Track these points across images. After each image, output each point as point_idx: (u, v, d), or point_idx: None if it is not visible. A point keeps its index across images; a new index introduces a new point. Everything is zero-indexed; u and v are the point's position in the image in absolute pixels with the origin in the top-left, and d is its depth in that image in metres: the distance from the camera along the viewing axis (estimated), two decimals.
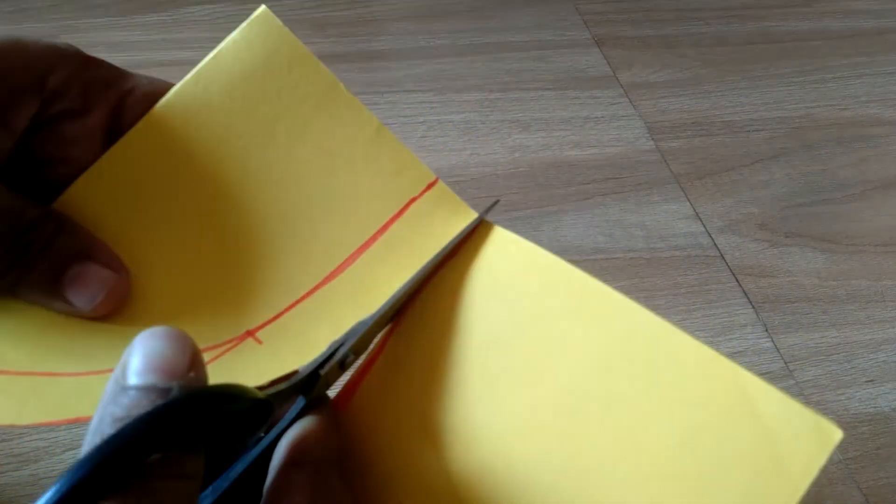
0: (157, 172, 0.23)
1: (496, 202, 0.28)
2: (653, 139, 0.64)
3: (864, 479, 0.44)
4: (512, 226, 0.57)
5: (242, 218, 0.23)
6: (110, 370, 0.17)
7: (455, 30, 0.73)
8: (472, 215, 0.23)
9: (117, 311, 0.22)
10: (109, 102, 0.24)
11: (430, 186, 0.23)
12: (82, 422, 0.18)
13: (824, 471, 0.44)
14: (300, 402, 0.22)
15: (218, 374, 0.19)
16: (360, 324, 0.22)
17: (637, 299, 0.51)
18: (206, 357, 0.19)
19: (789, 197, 0.60)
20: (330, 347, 0.21)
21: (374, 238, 0.23)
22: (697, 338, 0.21)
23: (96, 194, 0.23)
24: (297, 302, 0.23)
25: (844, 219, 0.59)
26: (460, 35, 0.73)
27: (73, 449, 0.42)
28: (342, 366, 0.22)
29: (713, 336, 0.50)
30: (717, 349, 0.51)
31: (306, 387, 0.21)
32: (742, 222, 0.58)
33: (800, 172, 0.63)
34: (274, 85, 0.24)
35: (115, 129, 0.24)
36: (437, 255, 0.22)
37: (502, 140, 0.63)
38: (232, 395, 0.17)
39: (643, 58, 0.72)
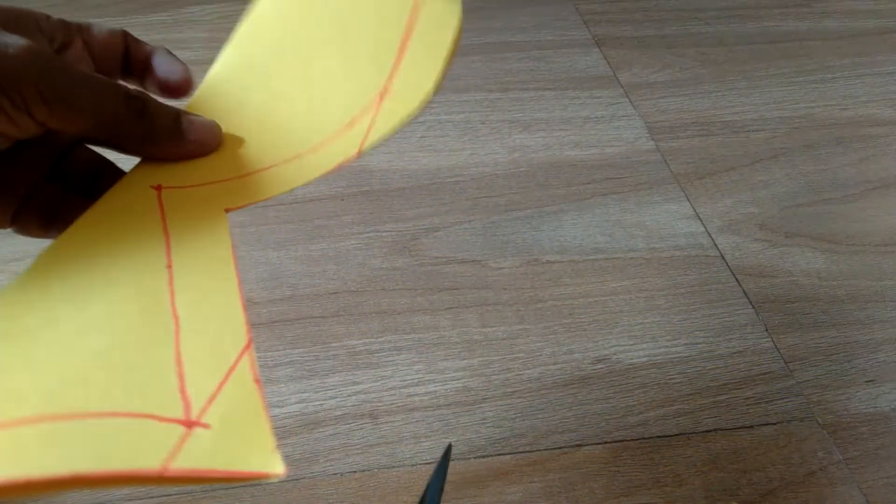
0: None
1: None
2: (653, 139, 0.64)
3: (864, 479, 0.44)
4: (512, 226, 0.57)
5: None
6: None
7: None
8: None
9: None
10: (81, 37, 0.28)
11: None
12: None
13: (824, 471, 0.44)
14: None
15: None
16: None
17: (637, 299, 0.52)
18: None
19: (789, 197, 0.60)
20: None
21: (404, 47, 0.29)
22: None
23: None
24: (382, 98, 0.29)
25: (844, 219, 0.59)
26: None
27: None
28: None
29: (713, 336, 0.50)
30: (718, 349, 0.51)
31: None
32: (742, 222, 0.58)
33: (800, 172, 0.63)
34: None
35: (93, 58, 0.29)
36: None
37: (502, 140, 0.63)
38: None
39: (643, 58, 0.72)
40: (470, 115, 0.65)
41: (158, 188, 0.27)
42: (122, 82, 0.27)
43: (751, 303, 0.52)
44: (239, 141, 0.29)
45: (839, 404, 0.47)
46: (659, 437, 0.45)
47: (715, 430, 0.45)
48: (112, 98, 0.25)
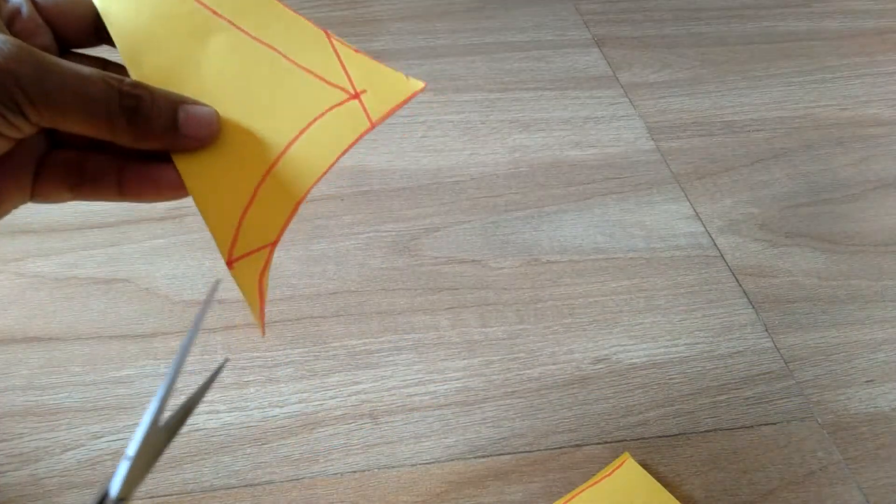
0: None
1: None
2: (653, 139, 0.64)
3: (864, 479, 0.44)
4: (512, 226, 0.57)
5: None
6: None
7: (455, 30, 0.73)
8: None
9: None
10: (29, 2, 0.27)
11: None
12: None
13: (824, 471, 0.44)
14: None
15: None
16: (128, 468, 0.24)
17: (637, 299, 0.52)
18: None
19: (789, 197, 0.60)
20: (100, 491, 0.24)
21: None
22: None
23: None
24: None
25: (844, 219, 0.59)
26: (460, 35, 0.73)
27: (73, 449, 0.42)
28: None
29: (713, 336, 0.50)
30: (718, 349, 0.51)
31: None
32: (742, 222, 0.58)
33: (800, 172, 0.63)
34: None
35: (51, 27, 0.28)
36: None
37: (502, 140, 0.63)
38: None
39: (643, 58, 0.72)
40: (470, 115, 0.65)
41: None
42: (116, 76, 0.25)
43: (751, 303, 0.52)
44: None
45: (839, 404, 0.47)
46: (659, 437, 0.45)
47: (715, 430, 0.45)
48: (104, 99, 0.24)
